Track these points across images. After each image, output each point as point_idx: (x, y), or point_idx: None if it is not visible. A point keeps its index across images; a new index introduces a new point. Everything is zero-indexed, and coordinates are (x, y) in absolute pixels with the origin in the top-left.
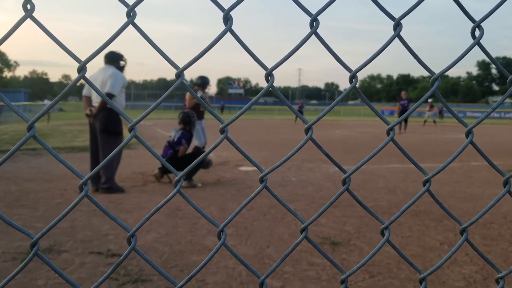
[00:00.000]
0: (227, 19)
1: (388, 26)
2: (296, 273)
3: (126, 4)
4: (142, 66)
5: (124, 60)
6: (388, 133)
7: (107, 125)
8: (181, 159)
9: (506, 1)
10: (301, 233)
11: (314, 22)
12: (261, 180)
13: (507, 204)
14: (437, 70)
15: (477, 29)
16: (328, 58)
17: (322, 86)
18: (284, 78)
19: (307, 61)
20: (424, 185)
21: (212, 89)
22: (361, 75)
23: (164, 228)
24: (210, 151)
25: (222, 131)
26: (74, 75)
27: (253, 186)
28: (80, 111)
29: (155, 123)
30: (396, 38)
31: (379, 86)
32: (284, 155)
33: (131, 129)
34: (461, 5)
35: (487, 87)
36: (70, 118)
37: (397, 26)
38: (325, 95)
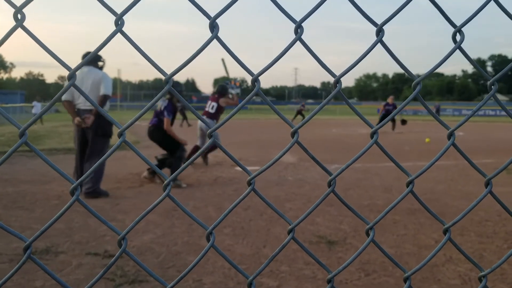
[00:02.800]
0: (213, 27)
1: (386, 26)
2: (292, 272)
3: (114, 13)
4: (138, 66)
5: (103, 61)
6: (371, 136)
7: (101, 128)
8: (168, 143)
9: (490, 4)
10: (288, 234)
11: (298, 28)
12: (249, 183)
13: (504, 203)
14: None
15: (458, 33)
16: (324, 57)
17: (318, 85)
18: (280, 78)
19: (303, 60)
20: (407, 186)
21: (208, 89)
22: (357, 74)
23: (161, 229)
24: (198, 156)
25: (210, 135)
26: None
27: None
28: None
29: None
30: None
31: (375, 85)
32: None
33: (120, 135)
34: (442, 11)
35: (483, 85)
36: (66, 120)
37: (380, 32)
38: (321, 94)
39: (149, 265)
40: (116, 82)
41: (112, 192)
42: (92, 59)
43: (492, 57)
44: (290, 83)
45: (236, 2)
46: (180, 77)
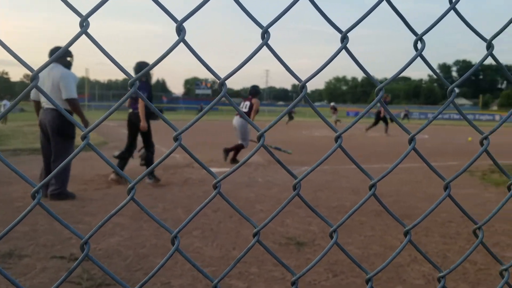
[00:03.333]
0: (180, 30)
1: (358, 31)
2: (261, 274)
3: (79, 14)
4: (106, 66)
5: (71, 56)
6: (336, 140)
7: (62, 129)
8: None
9: (450, 14)
10: (253, 237)
11: (265, 34)
12: (215, 187)
13: (465, 204)
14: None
15: (419, 42)
16: (295, 59)
17: (289, 87)
18: (251, 79)
19: (274, 62)
20: (370, 189)
21: (179, 90)
22: (327, 77)
23: (128, 231)
24: (163, 159)
25: (176, 138)
26: None
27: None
28: None
29: (119, 124)
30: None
31: (344, 88)
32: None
33: (83, 138)
34: (404, 19)
35: (447, 90)
36: (32, 119)
37: (344, 38)
38: (292, 96)
39: (116, 268)
40: (84, 81)
41: (79, 194)
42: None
43: (457, 63)
44: (261, 84)
45: (208, 3)
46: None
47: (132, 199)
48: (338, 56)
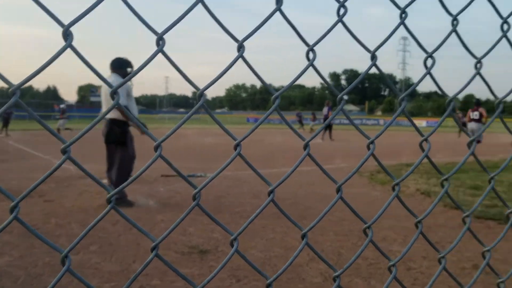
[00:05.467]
0: (67, 35)
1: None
2: (164, 285)
3: None
4: None
5: (131, 67)
6: (235, 148)
7: (108, 137)
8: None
9: (338, 24)
10: (151, 252)
11: (160, 41)
12: (109, 201)
13: (355, 202)
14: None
15: (310, 52)
16: (194, 66)
17: (190, 94)
18: (151, 86)
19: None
20: (269, 195)
21: (72, 97)
22: (227, 84)
23: (18, 250)
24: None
25: (64, 151)
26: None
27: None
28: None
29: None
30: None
31: (244, 95)
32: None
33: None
34: (297, 30)
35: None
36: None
37: (240, 47)
38: (193, 103)
39: None
40: None
41: None
42: (117, 66)
43: (345, 71)
44: (161, 91)
45: (103, 8)
46: (41, 85)
47: (15, 218)
48: (237, 64)
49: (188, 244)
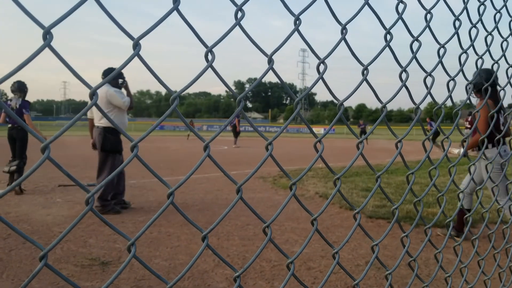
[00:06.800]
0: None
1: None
2: None
3: None
4: None
5: (123, 78)
6: (132, 150)
7: (103, 145)
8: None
9: (235, 31)
10: (40, 261)
11: (47, 34)
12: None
13: (259, 206)
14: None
15: (209, 54)
16: (95, 70)
17: (89, 100)
18: (47, 91)
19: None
20: (168, 198)
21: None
22: (131, 91)
23: None
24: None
25: (44, 149)
26: None
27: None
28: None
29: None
30: (136, 57)
31: (149, 101)
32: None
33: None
34: (198, 34)
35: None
36: None
37: (136, 45)
38: None
39: None
40: None
41: None
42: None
43: (249, 80)
44: (58, 97)
45: None
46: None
47: None
48: (142, 68)
49: (88, 257)
